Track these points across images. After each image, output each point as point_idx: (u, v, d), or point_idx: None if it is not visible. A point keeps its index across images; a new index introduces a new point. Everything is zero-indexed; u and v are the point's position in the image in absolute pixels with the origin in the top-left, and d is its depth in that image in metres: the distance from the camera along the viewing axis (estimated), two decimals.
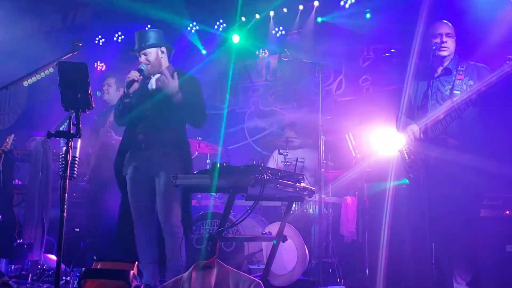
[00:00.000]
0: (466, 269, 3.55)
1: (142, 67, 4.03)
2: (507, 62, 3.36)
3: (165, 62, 4.17)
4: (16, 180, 5.31)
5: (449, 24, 3.93)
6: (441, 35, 3.83)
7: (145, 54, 4.11)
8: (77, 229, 5.63)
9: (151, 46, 4.11)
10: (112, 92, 5.57)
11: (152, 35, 4.16)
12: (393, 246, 5.18)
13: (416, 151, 3.87)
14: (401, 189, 4.98)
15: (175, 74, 3.94)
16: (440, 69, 3.90)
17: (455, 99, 3.66)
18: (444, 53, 3.82)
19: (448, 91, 3.77)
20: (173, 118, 4.02)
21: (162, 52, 4.14)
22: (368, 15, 6.53)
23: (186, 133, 4.17)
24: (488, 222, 4.14)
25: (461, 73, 3.76)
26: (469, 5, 5.19)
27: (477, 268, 3.60)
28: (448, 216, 3.62)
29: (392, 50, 6.34)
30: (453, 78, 3.79)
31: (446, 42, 3.81)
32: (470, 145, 3.64)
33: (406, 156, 3.98)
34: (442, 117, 3.68)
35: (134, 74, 3.94)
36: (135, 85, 3.97)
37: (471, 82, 3.70)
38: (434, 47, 3.77)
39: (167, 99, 3.95)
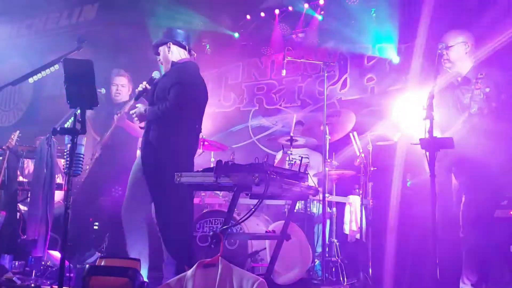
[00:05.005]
0: (473, 270, 3.54)
1: (153, 75, 4.18)
2: None
3: (173, 57, 4.18)
4: (21, 177, 5.31)
5: (460, 33, 3.90)
6: (442, 48, 3.80)
7: (158, 54, 4.25)
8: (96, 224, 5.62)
9: (158, 45, 4.23)
10: (125, 93, 5.45)
11: (162, 33, 4.27)
12: (397, 245, 5.18)
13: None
14: (405, 188, 4.98)
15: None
16: (459, 78, 3.87)
17: (472, 110, 3.62)
18: (445, 65, 3.81)
19: (468, 99, 3.74)
20: None
21: (169, 47, 4.16)
22: (373, 13, 6.50)
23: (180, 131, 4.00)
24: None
25: (479, 81, 3.71)
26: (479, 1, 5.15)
27: (484, 268, 3.59)
28: (455, 216, 3.61)
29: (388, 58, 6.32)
30: (472, 87, 3.73)
31: (444, 55, 3.81)
32: (481, 148, 3.62)
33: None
34: (460, 126, 3.68)
35: (141, 86, 4.13)
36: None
37: (488, 90, 3.63)
38: (439, 51, 3.75)
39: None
